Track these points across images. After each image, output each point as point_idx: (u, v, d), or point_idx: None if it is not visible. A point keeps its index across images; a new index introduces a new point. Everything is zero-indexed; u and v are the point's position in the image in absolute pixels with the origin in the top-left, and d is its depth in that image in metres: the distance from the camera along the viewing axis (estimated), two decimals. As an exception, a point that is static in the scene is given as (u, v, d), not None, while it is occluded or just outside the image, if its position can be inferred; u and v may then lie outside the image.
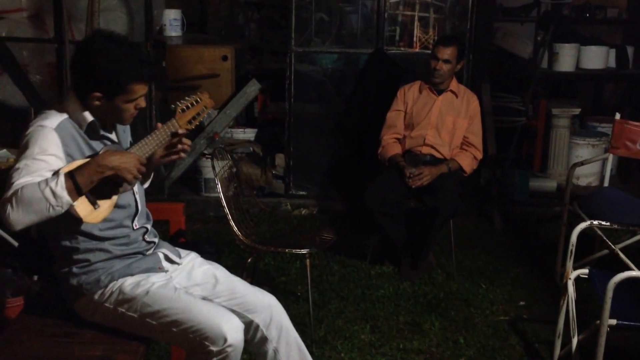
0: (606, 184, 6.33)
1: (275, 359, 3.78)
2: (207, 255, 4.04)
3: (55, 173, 3.18)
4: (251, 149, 8.03)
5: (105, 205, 3.39)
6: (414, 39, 8.00)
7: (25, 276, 5.04)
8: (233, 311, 3.62)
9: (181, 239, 4.95)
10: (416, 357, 4.99)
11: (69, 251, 3.50)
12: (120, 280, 3.53)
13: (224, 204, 5.01)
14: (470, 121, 6.34)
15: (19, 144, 3.36)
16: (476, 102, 6.42)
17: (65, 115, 3.41)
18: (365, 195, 6.02)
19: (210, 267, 3.85)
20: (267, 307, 3.77)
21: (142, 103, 3.49)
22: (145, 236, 3.71)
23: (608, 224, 4.89)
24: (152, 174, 3.92)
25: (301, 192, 8.08)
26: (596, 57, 8.68)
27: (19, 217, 3.10)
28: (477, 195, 7.90)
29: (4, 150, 5.84)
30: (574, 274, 4.56)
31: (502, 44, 9.01)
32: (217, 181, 4.99)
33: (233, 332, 3.41)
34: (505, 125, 8.32)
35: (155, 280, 3.56)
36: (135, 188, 3.66)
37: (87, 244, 3.49)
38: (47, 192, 3.09)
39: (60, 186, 3.11)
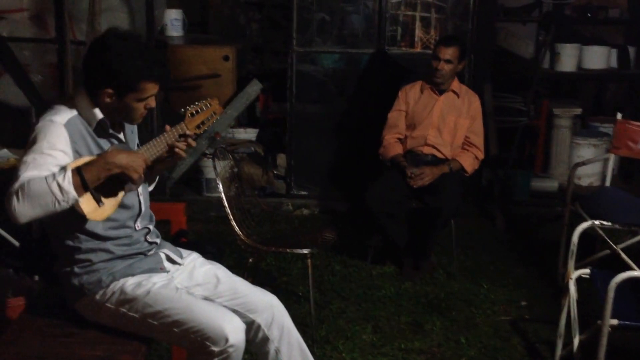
0: (608, 184, 6.32)
1: (276, 359, 3.77)
2: (208, 255, 4.04)
3: (63, 168, 3.18)
4: (253, 149, 8.02)
5: (110, 204, 3.40)
6: (416, 39, 7.99)
7: (26, 276, 5.05)
8: (235, 311, 3.62)
9: (182, 239, 4.95)
10: (417, 357, 4.99)
11: (71, 251, 3.50)
12: (122, 281, 3.53)
13: (226, 204, 5.01)
14: (472, 121, 6.34)
15: (28, 137, 3.36)
16: (478, 102, 6.42)
17: (75, 112, 3.42)
18: (366, 195, 6.02)
19: (211, 267, 3.85)
20: (268, 307, 3.77)
21: (152, 103, 3.50)
22: (148, 237, 3.70)
23: (610, 224, 4.90)
24: (157, 178, 3.94)
25: (302, 192, 8.08)
26: (598, 57, 8.66)
27: (24, 210, 3.09)
28: (479, 196, 7.89)
29: (5, 150, 5.85)
30: (575, 274, 4.56)
31: (504, 44, 9.00)
32: (218, 181, 4.99)
33: (234, 332, 3.41)
34: (507, 125, 8.32)
35: (156, 281, 3.56)
36: (140, 189, 3.66)
37: (89, 243, 3.49)
38: (54, 187, 3.09)
39: (67, 181, 3.11)
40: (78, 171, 3.16)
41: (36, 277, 5.24)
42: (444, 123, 6.29)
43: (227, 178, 5.19)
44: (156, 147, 3.51)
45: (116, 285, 3.51)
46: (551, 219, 7.62)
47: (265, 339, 3.76)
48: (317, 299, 5.67)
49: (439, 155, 6.28)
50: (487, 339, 5.24)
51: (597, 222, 4.85)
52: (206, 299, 3.67)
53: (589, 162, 6.74)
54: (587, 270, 4.60)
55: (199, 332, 3.40)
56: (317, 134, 8.05)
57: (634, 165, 8.46)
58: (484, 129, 6.47)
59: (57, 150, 3.26)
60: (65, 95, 6.85)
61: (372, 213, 6.04)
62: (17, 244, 5.62)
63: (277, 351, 3.77)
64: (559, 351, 4.70)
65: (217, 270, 3.84)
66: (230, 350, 3.39)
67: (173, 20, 8.50)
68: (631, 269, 4.42)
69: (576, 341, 4.44)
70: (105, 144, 3.50)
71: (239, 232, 5.08)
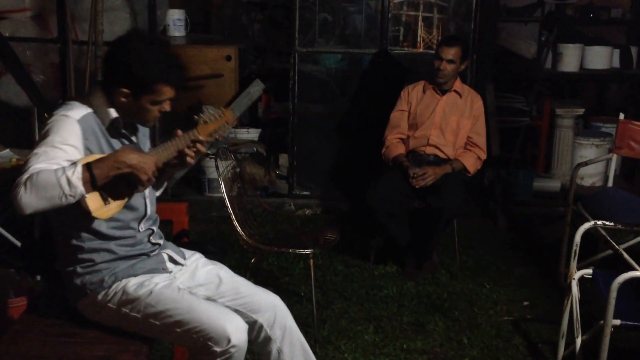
0: (610, 184, 6.32)
1: (279, 359, 3.78)
2: (210, 255, 4.04)
3: (73, 163, 3.19)
4: (255, 149, 8.02)
5: (116, 203, 3.40)
6: (418, 39, 7.99)
7: (28, 276, 5.05)
8: (237, 311, 3.62)
9: (184, 239, 4.95)
10: (420, 357, 4.99)
11: (73, 249, 3.50)
12: (124, 281, 3.53)
13: (228, 204, 5.02)
14: (474, 121, 6.34)
15: (41, 130, 3.39)
16: (480, 102, 6.42)
17: (89, 109, 3.43)
18: (368, 195, 6.02)
19: (214, 267, 3.86)
20: (271, 307, 3.77)
21: (167, 107, 3.51)
22: (151, 238, 3.71)
23: (612, 224, 4.88)
24: (165, 184, 3.94)
25: (305, 192, 8.08)
26: (600, 58, 8.66)
27: (30, 201, 3.09)
28: (481, 196, 7.89)
29: (7, 150, 5.84)
30: (577, 274, 4.56)
31: (506, 44, 9.00)
32: (220, 181, 4.99)
33: (237, 332, 3.41)
34: (509, 126, 8.31)
35: (158, 281, 3.56)
36: (147, 192, 3.66)
37: (92, 242, 3.49)
38: (63, 180, 3.09)
39: (77, 176, 3.11)
40: (88, 167, 3.16)
41: (38, 277, 5.24)
42: (447, 123, 6.29)
43: (229, 178, 5.19)
44: (167, 151, 3.50)
45: (118, 286, 3.52)
46: (553, 219, 7.61)
47: (268, 339, 3.76)
48: (319, 299, 5.67)
49: (441, 155, 6.28)
50: (489, 339, 5.23)
51: (599, 222, 4.84)
52: (208, 299, 3.67)
53: (591, 162, 6.72)
54: (590, 271, 4.60)
55: (201, 332, 3.40)
56: (319, 134, 8.05)
57: (636, 166, 8.46)
58: (486, 129, 6.47)
59: (68, 145, 3.27)
60: (67, 94, 6.86)
61: (374, 213, 6.03)
62: (18, 243, 5.62)
63: (280, 351, 3.77)
64: (561, 351, 4.69)
65: (219, 271, 3.84)
66: (233, 350, 3.39)
67: (175, 20, 8.49)
68: (633, 269, 4.42)
69: (578, 341, 4.44)
70: (116, 143, 3.51)
71: (241, 232, 5.08)
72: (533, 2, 9.63)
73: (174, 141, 3.52)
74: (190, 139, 3.55)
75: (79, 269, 3.50)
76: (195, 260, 3.88)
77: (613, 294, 3.95)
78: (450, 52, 6.18)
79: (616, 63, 8.83)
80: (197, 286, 3.74)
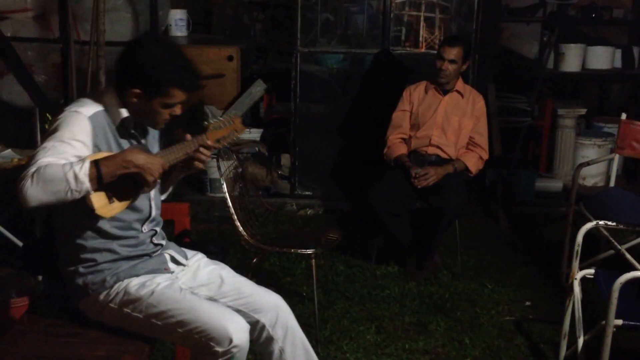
0: (612, 184, 6.32)
1: (281, 359, 3.78)
2: (212, 255, 4.04)
3: (81, 159, 3.19)
4: (257, 149, 8.02)
5: (120, 203, 3.40)
6: (420, 39, 7.99)
7: (29, 276, 5.05)
8: (239, 311, 3.62)
9: (186, 239, 4.95)
10: (422, 357, 4.99)
11: (76, 249, 3.50)
12: (126, 281, 3.53)
13: (230, 204, 5.01)
14: (476, 121, 6.34)
15: (50, 125, 3.40)
16: (482, 102, 6.42)
17: (101, 107, 3.45)
18: (370, 195, 6.02)
19: (216, 268, 3.86)
20: (273, 307, 3.77)
21: (178, 111, 3.51)
22: (154, 238, 3.71)
23: (614, 224, 4.88)
24: (171, 189, 3.95)
25: (307, 192, 8.08)
26: (602, 58, 8.66)
27: (36, 193, 3.08)
28: (483, 196, 7.89)
29: (9, 150, 5.84)
30: (579, 274, 4.56)
31: (508, 44, 8.99)
32: (222, 181, 4.99)
33: (238, 332, 3.41)
34: (511, 126, 8.30)
35: (160, 281, 3.56)
36: (152, 194, 3.67)
37: (95, 241, 3.49)
38: (70, 175, 3.09)
39: (84, 172, 3.11)
40: (95, 164, 3.16)
41: (39, 277, 5.24)
42: (448, 123, 6.29)
43: (231, 178, 5.19)
44: (175, 154, 3.51)
45: (120, 286, 3.52)
46: (555, 219, 7.61)
47: (270, 339, 3.76)
48: (321, 299, 5.67)
49: (443, 155, 6.28)
50: (491, 339, 5.23)
51: (601, 222, 4.83)
52: (210, 299, 3.67)
53: (593, 163, 6.72)
54: (592, 271, 4.60)
55: (203, 332, 3.40)
56: (321, 134, 8.05)
57: (638, 166, 8.46)
58: (488, 129, 6.47)
59: (77, 140, 3.28)
60: (69, 95, 6.86)
61: (376, 213, 6.03)
62: (20, 243, 5.62)
63: (282, 351, 3.77)
64: (563, 351, 4.69)
65: (221, 271, 3.84)
66: (234, 350, 3.39)
67: (177, 21, 8.49)
68: (635, 269, 4.42)
69: (580, 341, 4.44)
70: (125, 144, 3.52)
71: (243, 232, 5.08)
72: (535, 2, 9.64)
73: (182, 145, 3.54)
74: (199, 143, 3.56)
75: (81, 269, 3.50)
76: (197, 261, 3.88)
77: (615, 294, 3.95)
78: (452, 52, 6.18)
79: (618, 63, 8.83)
80: (199, 286, 3.74)
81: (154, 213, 3.70)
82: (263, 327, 3.74)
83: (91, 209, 3.27)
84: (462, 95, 6.36)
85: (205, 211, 7.65)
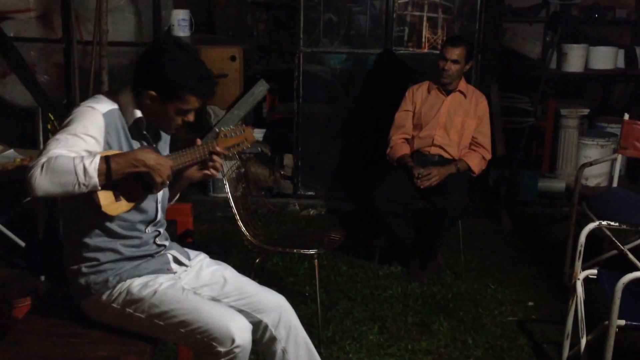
0: (615, 184, 6.32)
1: (283, 359, 3.78)
2: (214, 255, 4.04)
3: (92, 154, 3.21)
4: (259, 149, 8.02)
5: (126, 202, 3.41)
6: (423, 39, 7.99)
7: (32, 276, 5.05)
8: (242, 311, 3.62)
9: (188, 239, 4.95)
10: (424, 357, 4.99)
11: (80, 246, 3.50)
12: (128, 281, 3.53)
13: (232, 204, 5.02)
14: (479, 121, 6.34)
15: (65, 118, 3.42)
16: (485, 103, 6.41)
17: (116, 105, 3.47)
18: (373, 195, 6.02)
19: (218, 268, 3.86)
20: (276, 307, 3.77)
21: (191, 117, 3.55)
22: (157, 239, 3.71)
23: (617, 224, 4.87)
24: (178, 195, 3.96)
25: (309, 193, 8.08)
26: (605, 58, 8.66)
27: (43, 183, 3.09)
28: (486, 196, 7.88)
29: (11, 150, 5.84)
30: (582, 275, 4.55)
31: (511, 44, 8.99)
32: (225, 181, 4.99)
33: (241, 332, 3.41)
34: (514, 126, 8.30)
35: (162, 281, 3.57)
36: (159, 197, 3.68)
37: (99, 240, 3.50)
38: (79, 168, 3.10)
39: (94, 166, 3.13)
40: (106, 160, 3.18)
41: (42, 277, 5.24)
42: (451, 123, 6.29)
43: (233, 178, 5.19)
44: (184, 158, 3.54)
45: (123, 286, 3.52)
46: (558, 219, 7.61)
47: (273, 339, 3.77)
48: (324, 299, 5.67)
49: (446, 155, 6.27)
50: (494, 339, 5.23)
51: (604, 222, 4.83)
52: (213, 299, 3.67)
53: (596, 163, 6.72)
54: (594, 271, 4.59)
55: (205, 332, 3.40)
56: (324, 134, 8.05)
57: (641, 166, 8.46)
58: (490, 129, 6.46)
59: (89, 136, 3.30)
60: (71, 95, 6.86)
61: (379, 213, 6.03)
62: (22, 244, 5.62)
63: (284, 351, 3.77)
64: (566, 352, 4.69)
65: (224, 271, 3.84)
66: (237, 350, 3.39)
67: (180, 21, 8.49)
68: (638, 269, 4.41)
69: (583, 342, 4.43)
70: (136, 144, 3.53)
71: (246, 233, 5.08)
72: (538, 3, 9.65)
73: (191, 149, 3.57)
74: (209, 150, 3.59)
75: (84, 269, 3.51)
76: (199, 261, 3.88)
77: (618, 294, 3.95)
78: (455, 53, 6.17)
79: (621, 63, 8.83)
80: (202, 286, 3.75)
81: (159, 216, 3.71)
82: (266, 327, 3.74)
83: (97, 206, 3.28)
84: (464, 96, 6.36)
85: (208, 211, 7.66)
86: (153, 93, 3.41)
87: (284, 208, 7.80)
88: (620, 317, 4.01)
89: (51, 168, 3.09)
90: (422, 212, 6.16)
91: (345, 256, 6.56)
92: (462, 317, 5.55)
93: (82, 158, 3.13)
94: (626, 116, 6.23)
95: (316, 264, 5.11)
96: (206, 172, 3.68)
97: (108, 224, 3.48)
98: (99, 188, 3.19)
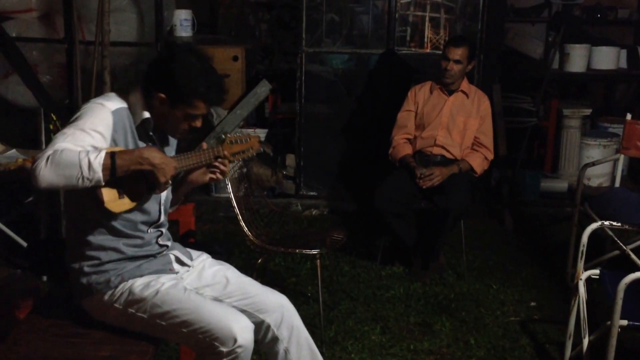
0: (617, 184, 6.31)
1: (286, 359, 3.78)
2: (216, 255, 4.05)
3: (97, 149, 3.22)
4: (262, 149, 8.01)
5: (129, 201, 3.41)
6: (425, 39, 7.99)
7: (34, 276, 5.05)
8: (244, 311, 3.62)
9: (191, 240, 4.95)
10: (427, 357, 4.99)
11: (83, 244, 3.51)
12: (130, 281, 3.53)
13: (235, 204, 5.02)
14: (481, 121, 6.33)
15: (74, 113, 3.44)
16: (487, 103, 6.41)
17: (125, 104, 3.49)
18: (375, 195, 6.01)
19: (221, 268, 3.86)
20: (278, 307, 3.77)
21: (198, 123, 3.56)
22: (159, 239, 3.71)
23: (619, 224, 4.87)
24: (182, 200, 3.96)
25: (312, 193, 8.08)
26: (607, 58, 8.66)
27: (48, 175, 3.11)
28: (488, 196, 7.88)
29: (13, 150, 5.85)
30: (584, 275, 4.55)
31: (513, 44, 8.99)
32: (227, 181, 4.98)
33: (243, 332, 3.41)
34: (516, 126, 8.30)
35: (164, 281, 3.57)
36: (162, 200, 3.68)
37: (101, 238, 3.50)
38: (84, 162, 3.11)
39: (99, 161, 3.14)
40: (111, 155, 3.19)
41: (44, 278, 5.25)
42: (454, 123, 6.28)
43: (236, 178, 5.19)
44: (189, 160, 3.55)
45: (125, 286, 3.52)
46: (560, 219, 7.61)
47: (275, 339, 3.77)
48: (326, 299, 5.66)
49: (448, 155, 6.27)
50: (496, 339, 5.23)
51: (606, 222, 4.83)
52: (215, 299, 3.67)
53: (599, 163, 6.71)
54: (597, 271, 4.59)
55: (208, 332, 3.40)
56: (326, 135, 8.05)
57: (644, 166, 8.46)
58: (493, 129, 6.46)
59: (97, 132, 3.31)
60: (74, 95, 6.87)
61: (381, 213, 6.03)
62: (24, 244, 5.63)
63: (287, 351, 3.77)
64: (568, 352, 4.69)
65: (226, 271, 3.85)
66: (239, 350, 3.39)
67: (182, 21, 8.49)
68: (641, 269, 4.41)
69: (585, 342, 4.43)
70: (142, 145, 3.54)
71: (248, 233, 5.08)
72: (540, 3, 9.65)
73: (197, 153, 3.58)
74: (214, 154, 3.60)
75: (86, 268, 3.51)
76: (202, 261, 3.88)
77: (620, 294, 3.94)
78: (457, 53, 6.17)
79: (623, 63, 8.83)
80: (204, 287, 3.75)
81: (162, 218, 3.72)
82: (268, 327, 3.74)
83: (100, 202, 3.29)
84: (467, 96, 6.35)
85: (210, 211, 7.66)
86: (163, 96, 3.43)
87: (286, 208, 7.80)
88: (622, 317, 4.00)
89: (56, 160, 3.11)
90: (424, 212, 6.15)
91: (347, 256, 6.56)
92: (464, 317, 5.54)
93: (87, 152, 3.15)
94: (628, 116, 6.23)
95: (318, 264, 5.11)
96: (212, 176, 3.69)
97: (111, 222, 3.48)
98: (103, 183, 3.20)
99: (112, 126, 3.37)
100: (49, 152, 3.14)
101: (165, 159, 3.33)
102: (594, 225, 4.71)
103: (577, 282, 4.55)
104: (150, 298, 3.48)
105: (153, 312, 3.47)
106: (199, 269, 3.83)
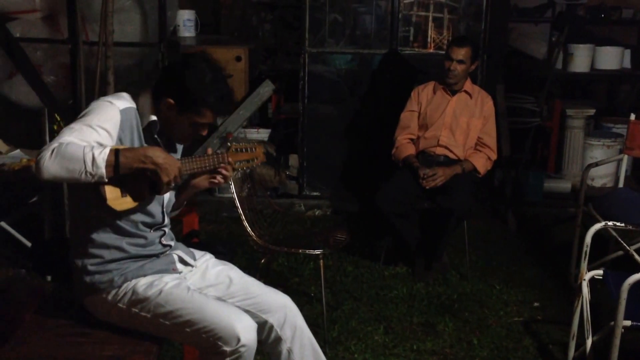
0: (621, 185, 6.31)
1: (289, 359, 3.78)
2: (220, 255, 4.05)
3: (102, 146, 3.23)
4: (265, 149, 8.02)
5: (132, 200, 3.42)
6: (428, 39, 7.99)
7: (38, 277, 5.06)
8: (247, 311, 3.63)
9: (194, 239, 4.96)
10: (430, 358, 4.99)
11: (86, 241, 3.52)
12: (134, 281, 3.54)
13: (238, 204, 5.02)
14: (485, 122, 6.33)
15: (83, 110, 3.47)
16: (490, 103, 6.41)
17: (134, 105, 3.51)
18: (378, 196, 6.01)
19: (224, 268, 3.87)
20: (281, 307, 3.78)
21: (204, 132, 3.58)
22: (162, 239, 3.72)
23: (623, 225, 4.87)
24: (184, 204, 3.97)
25: (315, 193, 8.08)
26: (611, 58, 8.65)
27: (51, 167, 3.12)
28: (491, 196, 7.88)
29: (18, 150, 5.86)
30: (588, 275, 4.55)
31: (517, 44, 8.99)
32: (230, 182, 4.98)
33: (246, 332, 3.42)
34: (520, 126, 8.29)
35: (168, 280, 3.58)
36: (165, 202, 3.70)
37: (105, 236, 3.51)
38: (88, 157, 3.13)
39: (102, 157, 3.15)
40: (115, 152, 3.20)
41: (48, 278, 5.25)
42: (457, 124, 6.28)
43: (239, 179, 5.19)
44: (193, 164, 3.58)
45: (128, 286, 3.53)
46: (564, 220, 7.60)
47: (278, 339, 3.77)
48: (329, 299, 5.67)
49: (451, 156, 6.27)
50: (499, 340, 5.23)
51: (610, 223, 4.82)
52: (219, 299, 3.68)
53: (602, 163, 6.71)
54: (600, 272, 4.59)
55: (211, 332, 3.41)
56: (329, 135, 8.06)
57: (647, 166, 8.46)
58: (496, 129, 6.46)
59: (103, 129, 3.33)
60: (77, 95, 6.87)
61: (384, 214, 6.03)
62: (28, 244, 5.63)
63: (290, 351, 3.78)
64: (571, 352, 4.68)
65: (229, 271, 3.85)
66: (242, 350, 3.39)
67: (185, 21, 8.50)
68: (644, 270, 4.40)
69: (589, 342, 4.43)
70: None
71: (251, 233, 5.08)
72: (544, 3, 9.63)
73: (202, 157, 3.61)
74: (219, 161, 3.62)
75: (89, 267, 3.52)
76: (205, 261, 3.89)
77: (624, 295, 3.94)
78: (461, 53, 6.17)
79: (627, 63, 8.82)
80: (208, 287, 3.76)
81: (166, 220, 3.73)
82: (271, 327, 3.75)
83: (103, 198, 3.30)
84: (470, 96, 6.35)
85: (214, 211, 7.66)
86: (171, 101, 3.45)
87: (290, 208, 7.81)
88: (626, 318, 4.00)
89: (61, 153, 3.12)
90: (427, 212, 6.16)
91: (350, 256, 6.56)
92: (467, 318, 5.54)
93: (92, 147, 3.17)
94: (632, 116, 6.22)
95: (321, 264, 5.11)
96: (213, 180, 3.70)
97: (114, 220, 3.50)
98: (106, 180, 3.21)
99: (119, 125, 3.39)
100: (54, 145, 3.16)
101: (169, 159, 3.33)
102: (597, 226, 4.71)
103: (581, 283, 4.55)
104: (154, 298, 3.49)
105: (157, 312, 3.48)
106: (203, 269, 3.83)
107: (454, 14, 8.05)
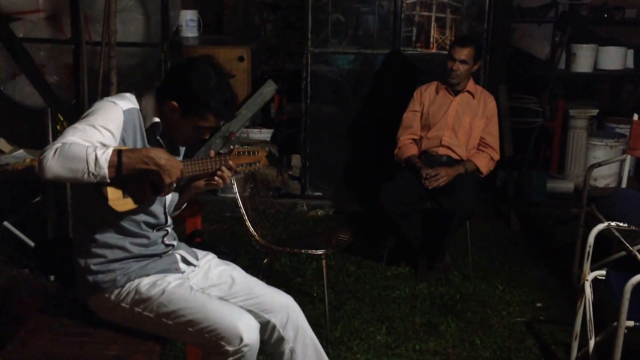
0: (624, 185, 6.30)
1: (291, 359, 3.78)
2: (222, 255, 4.05)
3: (105, 146, 3.23)
4: (267, 149, 8.02)
5: (133, 201, 3.42)
6: (431, 39, 7.99)
7: (41, 276, 5.06)
8: (250, 311, 3.62)
9: (197, 239, 4.95)
10: (432, 358, 4.99)
11: (89, 241, 3.52)
12: (137, 281, 3.54)
13: (240, 204, 5.02)
14: (487, 122, 6.33)
15: (87, 109, 3.48)
16: (493, 103, 6.40)
17: (137, 106, 3.51)
18: (381, 196, 6.01)
19: (227, 268, 3.87)
20: (284, 307, 3.78)
21: (206, 135, 3.59)
22: (165, 239, 3.72)
23: (626, 225, 4.86)
24: (185, 204, 3.97)
25: (317, 193, 8.08)
26: (614, 58, 8.65)
27: (54, 166, 3.13)
28: (494, 197, 7.88)
29: (21, 150, 5.86)
30: (591, 276, 4.54)
31: (520, 44, 8.98)
32: (233, 182, 4.99)
33: (249, 331, 3.42)
34: (523, 126, 8.29)
35: (171, 280, 3.58)
36: (167, 203, 3.70)
37: (107, 235, 3.52)
38: (91, 157, 3.13)
39: (105, 157, 3.15)
40: (118, 153, 3.20)
41: (51, 277, 5.25)
42: (459, 124, 6.28)
43: (242, 178, 5.19)
44: (195, 166, 3.59)
45: (131, 286, 3.53)
46: (567, 220, 7.60)
47: (280, 339, 3.77)
48: (332, 299, 5.67)
49: (454, 156, 6.27)
50: (502, 340, 5.22)
51: (613, 223, 4.82)
52: (221, 299, 3.67)
53: (605, 163, 6.70)
54: (603, 272, 4.58)
55: (214, 331, 3.41)
56: (331, 135, 8.06)
57: (650, 167, 8.45)
58: (499, 129, 6.45)
59: (107, 129, 3.34)
60: (80, 95, 6.87)
61: (387, 214, 6.03)
62: (32, 244, 5.64)
63: (292, 351, 3.78)
64: (574, 353, 4.68)
65: (232, 271, 3.85)
66: (245, 349, 3.39)
67: (188, 21, 8.51)
68: (647, 270, 4.40)
69: (592, 343, 4.42)
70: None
71: (254, 233, 5.08)
72: (547, 3, 9.62)
73: (205, 160, 3.62)
74: (222, 164, 3.63)
75: (92, 266, 3.52)
76: (208, 261, 3.89)
77: (627, 295, 3.94)
78: (463, 53, 6.17)
79: (630, 63, 8.82)
80: (210, 287, 3.76)
81: (168, 220, 3.74)
82: (274, 327, 3.75)
83: (105, 198, 3.30)
84: (473, 96, 6.35)
85: (217, 211, 7.67)
86: (175, 104, 3.45)
87: (292, 208, 7.81)
88: (629, 318, 4.00)
89: (64, 153, 3.13)
90: (430, 212, 6.16)
91: (353, 257, 6.56)
92: (470, 318, 5.54)
93: (95, 148, 3.17)
94: (635, 117, 6.21)
95: (324, 264, 5.11)
96: (212, 181, 3.71)
97: (117, 220, 3.50)
98: (108, 180, 3.21)
99: (122, 125, 3.40)
100: (58, 144, 3.16)
101: (171, 160, 3.33)
102: (600, 226, 4.70)
103: (584, 283, 4.54)
104: (157, 297, 3.49)
105: (159, 312, 3.48)
106: (205, 269, 3.83)
107: (456, 14, 8.05)
